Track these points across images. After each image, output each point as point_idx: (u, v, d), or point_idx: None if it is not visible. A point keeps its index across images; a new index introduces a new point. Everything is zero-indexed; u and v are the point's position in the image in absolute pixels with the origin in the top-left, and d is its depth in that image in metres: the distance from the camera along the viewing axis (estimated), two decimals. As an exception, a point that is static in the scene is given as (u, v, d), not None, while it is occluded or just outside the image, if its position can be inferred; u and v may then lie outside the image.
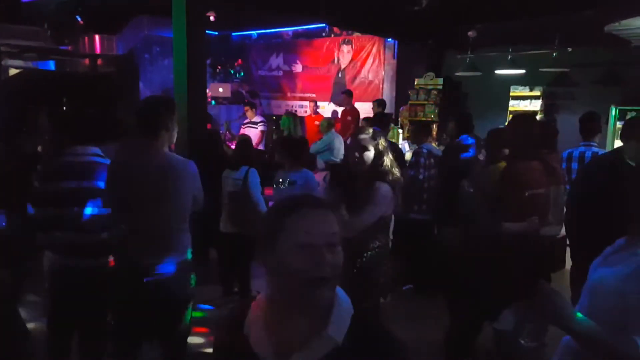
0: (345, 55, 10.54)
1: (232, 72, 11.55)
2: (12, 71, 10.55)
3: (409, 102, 9.47)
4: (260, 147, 7.99)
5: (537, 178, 3.09)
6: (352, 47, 10.46)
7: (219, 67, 11.16)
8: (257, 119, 8.43)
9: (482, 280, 2.95)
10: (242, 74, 11.72)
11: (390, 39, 9.93)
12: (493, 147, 3.40)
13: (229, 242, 4.55)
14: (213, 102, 10.28)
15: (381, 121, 5.57)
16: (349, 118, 8.55)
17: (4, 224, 3.44)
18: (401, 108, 9.60)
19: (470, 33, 8.00)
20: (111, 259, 2.96)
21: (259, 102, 10.82)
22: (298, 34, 11.08)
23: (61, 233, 2.91)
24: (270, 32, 11.26)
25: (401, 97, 9.85)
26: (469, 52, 8.33)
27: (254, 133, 8.00)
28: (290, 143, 4.56)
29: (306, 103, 10.58)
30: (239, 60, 11.73)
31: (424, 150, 5.00)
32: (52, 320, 3.04)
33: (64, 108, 9.39)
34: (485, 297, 2.98)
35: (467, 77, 8.72)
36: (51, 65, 10.95)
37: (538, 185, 3.10)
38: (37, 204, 2.96)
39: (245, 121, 8.53)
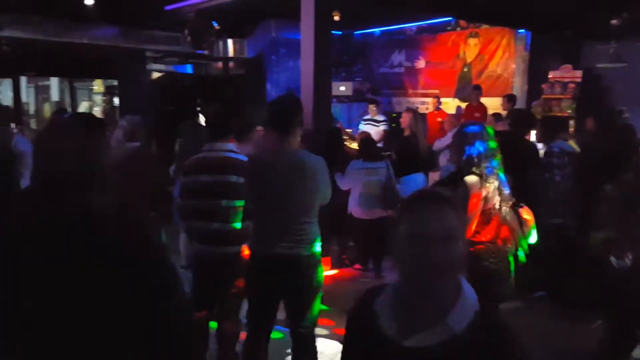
0: (471, 48, 10.14)
1: (353, 70, 11.64)
2: (155, 75, 11.59)
3: (542, 96, 8.88)
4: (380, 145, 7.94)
5: None
6: (479, 40, 10.03)
7: (341, 65, 11.31)
8: (379, 117, 8.43)
9: (633, 291, 2.68)
10: (362, 72, 11.77)
11: (522, 30, 9.39)
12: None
13: (365, 227, 5.09)
14: (334, 100, 10.45)
15: (520, 118, 5.18)
16: (477, 115, 8.21)
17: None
18: (533, 103, 9.02)
19: (614, 21, 7.30)
20: (243, 247, 3.14)
21: (380, 99, 10.81)
22: (422, 29, 10.87)
23: (200, 222, 3.15)
24: (393, 29, 11.17)
25: (533, 91, 9.26)
26: (612, 42, 7.61)
27: (375, 131, 7.99)
28: None
29: (428, 99, 10.35)
30: (361, 59, 11.79)
31: (555, 149, 4.63)
32: (192, 302, 3.28)
33: (199, 109, 10.13)
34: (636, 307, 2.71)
35: (609, 69, 7.98)
36: (188, 68, 11.84)
37: None
38: (180, 195, 3.22)
39: (366, 118, 8.55)
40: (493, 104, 8.68)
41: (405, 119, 6.27)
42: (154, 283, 1.37)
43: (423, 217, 1.22)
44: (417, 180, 5.89)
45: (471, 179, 2.86)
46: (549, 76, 8.85)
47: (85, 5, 7.60)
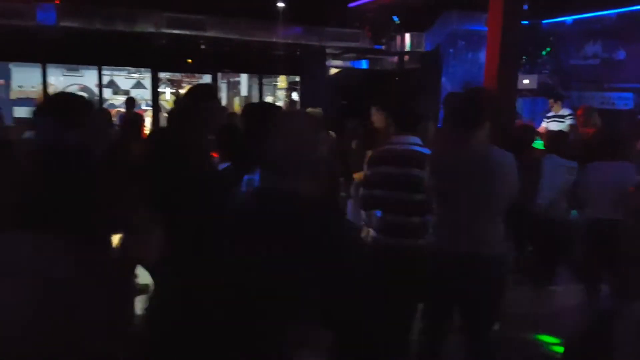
0: (687, 36, 8.77)
1: (539, 62, 10.82)
2: (332, 70, 12.07)
3: None
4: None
5: None
6: (698, 26, 8.64)
7: (526, 57, 10.59)
8: (564, 111, 7.81)
9: None
10: (550, 64, 10.88)
11: None
12: None
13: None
14: (515, 94, 9.84)
15: None
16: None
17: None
18: None
19: None
20: (422, 242, 3.10)
21: (569, 94, 9.90)
22: (623, 16, 9.68)
23: (381, 213, 3.18)
24: (589, 17, 10.13)
25: None
26: None
27: (561, 127, 7.40)
28: None
29: (628, 95, 9.21)
30: (548, 50, 10.91)
31: None
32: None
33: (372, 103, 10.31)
34: None
35: None
36: (364, 64, 12.11)
37: None
38: (364, 185, 3.30)
39: (550, 114, 7.97)
40: None
41: (579, 117, 5.77)
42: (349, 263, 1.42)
43: None
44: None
45: None
46: None
47: (276, 6, 8.19)
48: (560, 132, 5.31)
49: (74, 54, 9.51)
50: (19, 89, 10.66)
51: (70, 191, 1.29)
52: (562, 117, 7.72)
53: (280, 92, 13.75)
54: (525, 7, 7.19)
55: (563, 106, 7.93)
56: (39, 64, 9.89)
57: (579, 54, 10.51)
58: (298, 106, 11.32)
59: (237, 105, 12.81)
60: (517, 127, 5.07)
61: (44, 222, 1.24)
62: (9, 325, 1.12)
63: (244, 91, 13.34)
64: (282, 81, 13.37)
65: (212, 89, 2.90)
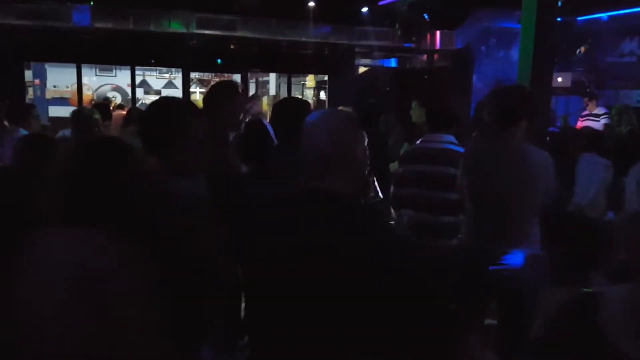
0: None
1: (573, 59, 10.58)
2: (361, 69, 12.03)
3: None
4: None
5: None
6: None
7: (559, 55, 10.35)
8: (599, 110, 7.72)
9: None
10: (584, 62, 10.62)
11: None
12: None
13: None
14: (548, 93, 9.63)
15: None
16: None
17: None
18: None
19: None
20: (454, 242, 3.06)
21: (604, 92, 9.67)
22: (662, 12, 9.39)
23: (412, 212, 3.15)
24: (625, 13, 9.86)
25: None
26: None
27: (595, 127, 7.29)
28: None
29: (666, 92, 8.96)
30: (583, 47, 10.65)
31: None
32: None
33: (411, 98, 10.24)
34: None
35: None
36: (393, 62, 12.03)
37: None
38: (395, 183, 3.27)
39: (584, 113, 7.85)
40: None
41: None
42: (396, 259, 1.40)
43: None
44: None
45: None
46: None
47: (306, 5, 8.19)
48: (596, 130, 5.21)
49: (107, 54, 9.70)
50: (54, 88, 10.94)
51: (112, 186, 1.30)
52: (597, 116, 7.64)
53: (308, 91, 13.77)
54: (560, 3, 7.02)
55: (598, 105, 7.82)
56: (74, 64, 10.11)
57: (615, 52, 10.24)
58: (326, 105, 11.31)
59: (265, 105, 12.86)
60: (565, 133, 4.97)
61: (87, 217, 1.26)
62: (51, 320, 1.14)
63: (272, 90, 13.40)
64: (310, 80, 13.38)
65: (233, 86, 2.86)
